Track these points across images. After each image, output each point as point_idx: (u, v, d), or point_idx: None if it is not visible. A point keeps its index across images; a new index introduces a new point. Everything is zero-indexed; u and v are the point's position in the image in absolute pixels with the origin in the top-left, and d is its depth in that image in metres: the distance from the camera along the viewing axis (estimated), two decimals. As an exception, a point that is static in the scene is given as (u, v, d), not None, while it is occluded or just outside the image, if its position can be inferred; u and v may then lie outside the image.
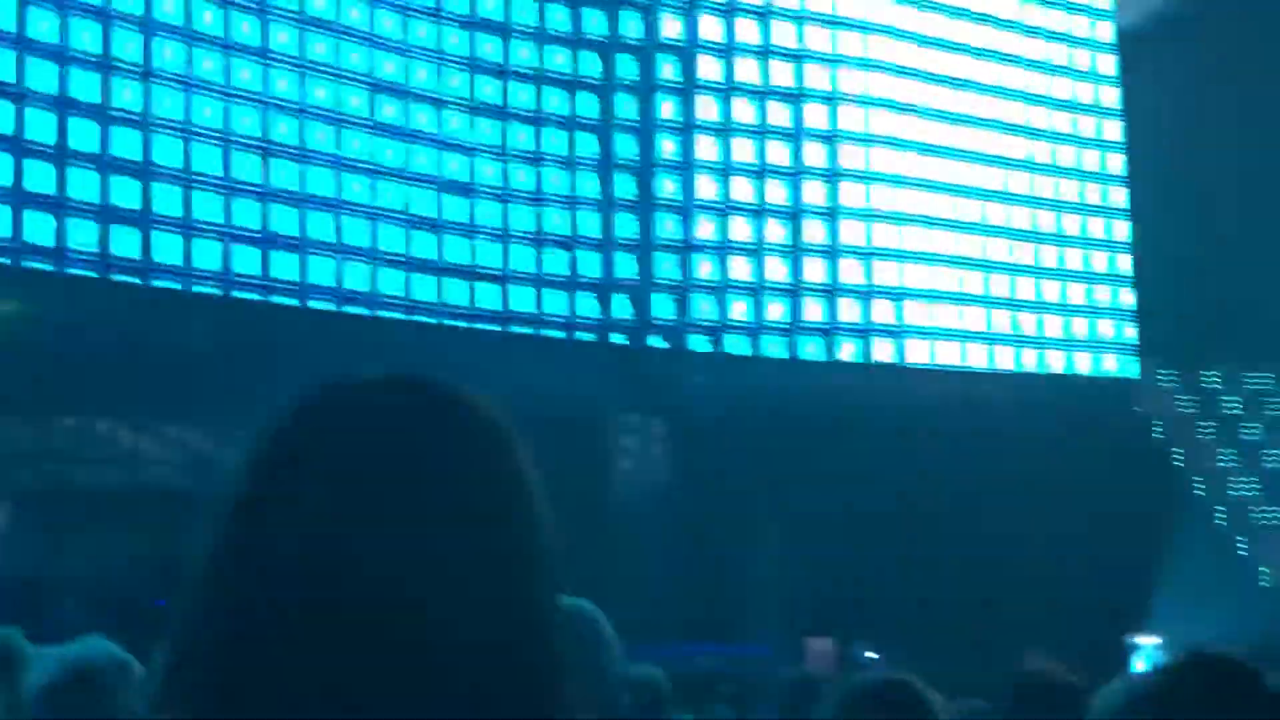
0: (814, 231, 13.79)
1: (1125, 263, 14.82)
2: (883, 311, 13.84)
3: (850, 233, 13.86)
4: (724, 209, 13.58)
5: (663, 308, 13.42)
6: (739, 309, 13.57)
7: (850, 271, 13.68)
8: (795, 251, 13.82)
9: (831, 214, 13.89)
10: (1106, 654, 12.06)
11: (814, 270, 13.68)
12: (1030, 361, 14.40)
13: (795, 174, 13.81)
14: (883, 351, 13.92)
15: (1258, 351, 15.39)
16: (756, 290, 13.65)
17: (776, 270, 13.68)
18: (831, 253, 13.89)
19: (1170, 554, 13.56)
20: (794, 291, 13.78)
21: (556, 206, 13.28)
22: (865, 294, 13.82)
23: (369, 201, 12.60)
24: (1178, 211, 14.84)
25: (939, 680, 3.23)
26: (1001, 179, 14.47)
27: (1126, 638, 12.62)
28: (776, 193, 13.72)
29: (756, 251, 13.67)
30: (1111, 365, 14.73)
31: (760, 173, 13.72)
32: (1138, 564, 13.18)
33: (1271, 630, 11.53)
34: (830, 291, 13.85)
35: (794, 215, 13.77)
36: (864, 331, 13.81)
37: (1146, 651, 12.57)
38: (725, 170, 13.65)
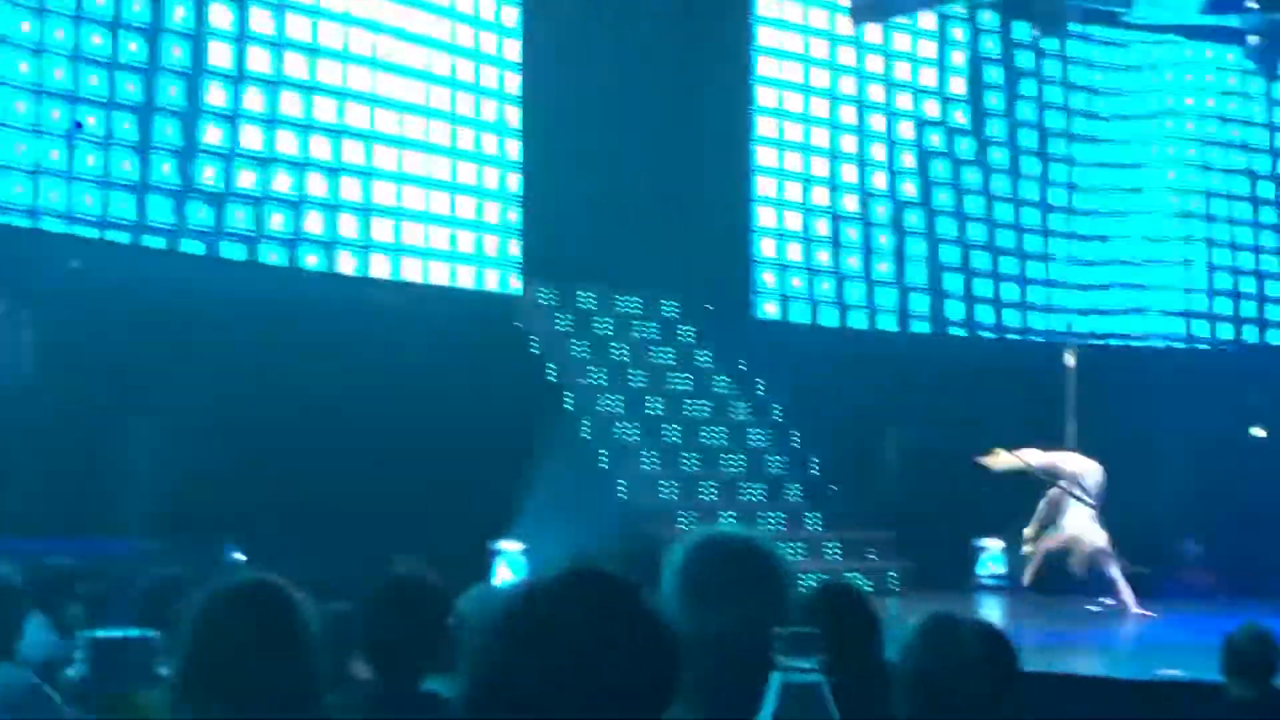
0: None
1: (514, 181, 15.19)
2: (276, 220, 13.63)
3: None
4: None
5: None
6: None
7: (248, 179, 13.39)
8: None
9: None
10: (474, 559, 12.51)
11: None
12: (418, 273, 14.55)
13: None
14: (277, 257, 13.73)
15: (628, 276, 16.19)
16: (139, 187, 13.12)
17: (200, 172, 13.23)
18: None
19: (539, 465, 14.07)
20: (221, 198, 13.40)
21: None
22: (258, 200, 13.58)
23: None
24: (565, 135, 15.34)
25: (308, 582, 3.22)
26: (408, 89, 14.51)
27: (491, 543, 13.04)
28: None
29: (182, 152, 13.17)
30: (495, 281, 15.11)
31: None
32: (508, 473, 13.60)
33: (628, 539, 12.26)
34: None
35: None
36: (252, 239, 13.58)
37: (508, 557, 13.06)
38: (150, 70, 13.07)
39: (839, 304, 18.08)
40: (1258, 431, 19.52)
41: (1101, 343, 19.28)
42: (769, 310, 17.71)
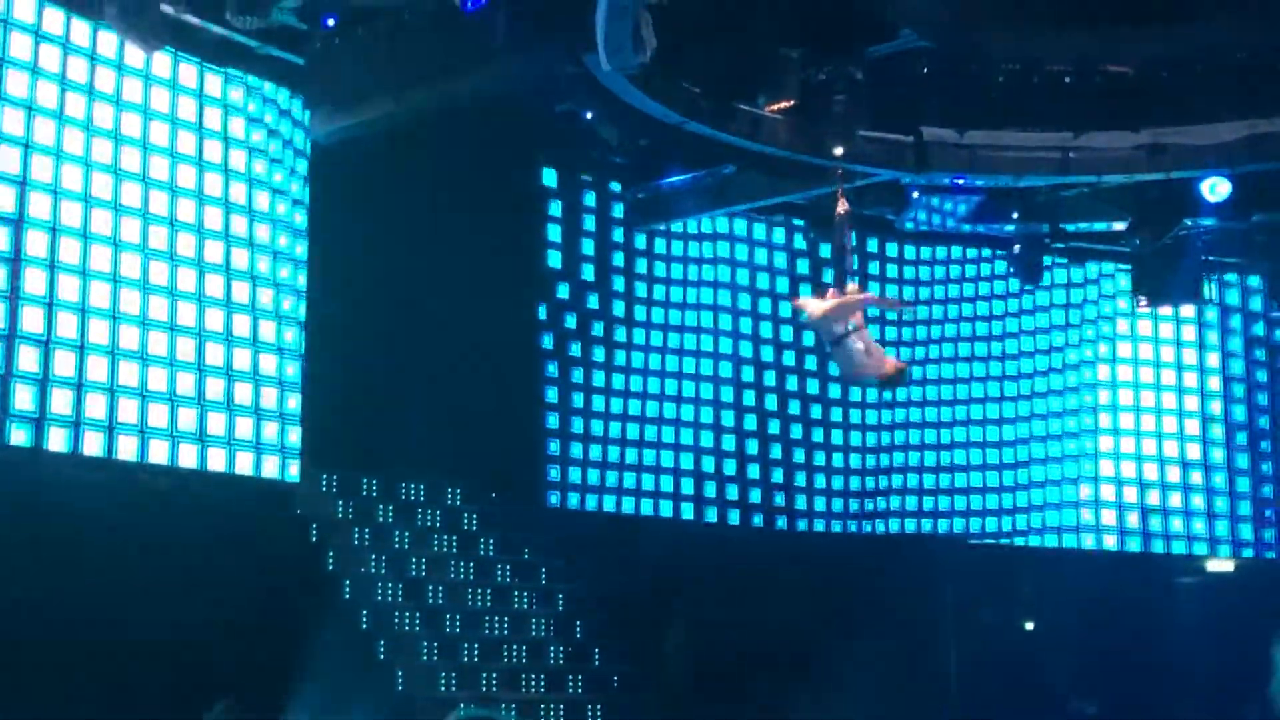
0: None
1: (293, 367, 15.15)
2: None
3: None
4: None
5: None
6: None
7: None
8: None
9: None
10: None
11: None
12: (191, 459, 14.29)
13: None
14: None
15: (410, 463, 16.24)
16: None
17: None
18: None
19: (316, 655, 13.94)
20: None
21: None
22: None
23: None
24: (345, 314, 15.45)
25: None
26: (182, 276, 14.44)
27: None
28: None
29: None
30: (273, 467, 14.96)
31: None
32: (285, 664, 13.46)
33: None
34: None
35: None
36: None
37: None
38: None
39: (618, 491, 18.39)
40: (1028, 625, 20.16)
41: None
42: (555, 499, 17.90)
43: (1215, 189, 16.50)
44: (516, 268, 17.85)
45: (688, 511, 18.81)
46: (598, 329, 18.49)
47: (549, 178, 18.42)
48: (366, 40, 13.97)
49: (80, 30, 13.74)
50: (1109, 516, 20.16)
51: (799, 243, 19.75)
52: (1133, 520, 20.17)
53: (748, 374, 19.41)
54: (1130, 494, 20.30)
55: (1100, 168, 16.60)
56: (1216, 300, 20.54)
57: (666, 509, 18.70)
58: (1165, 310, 20.20)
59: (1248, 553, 20.18)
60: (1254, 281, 20.67)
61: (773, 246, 19.72)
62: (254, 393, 14.74)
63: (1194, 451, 20.43)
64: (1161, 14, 13.87)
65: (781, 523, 19.25)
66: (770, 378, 19.55)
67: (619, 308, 18.70)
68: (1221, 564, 19.96)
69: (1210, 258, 19.35)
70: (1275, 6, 13.73)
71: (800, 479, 19.70)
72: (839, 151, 15.15)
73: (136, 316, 13.84)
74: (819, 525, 19.75)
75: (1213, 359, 20.62)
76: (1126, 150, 16.09)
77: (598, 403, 18.34)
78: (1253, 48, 14.75)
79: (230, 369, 14.55)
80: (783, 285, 19.70)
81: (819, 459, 19.86)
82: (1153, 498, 20.23)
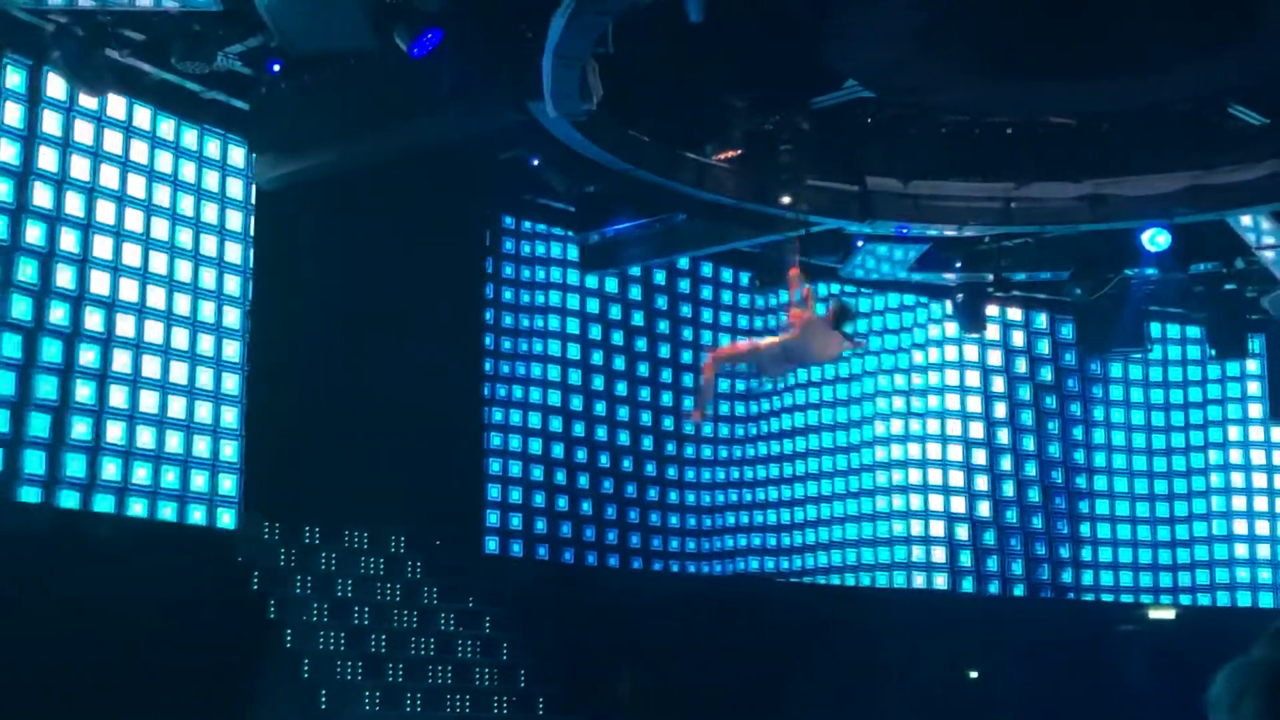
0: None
1: (231, 415, 14.99)
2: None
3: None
4: None
5: None
6: None
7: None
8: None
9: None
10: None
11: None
12: (141, 509, 14.12)
13: None
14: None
15: (353, 511, 16.15)
16: None
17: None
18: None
19: (256, 705, 13.80)
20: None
21: None
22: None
23: None
24: (287, 361, 15.35)
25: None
26: (123, 324, 14.26)
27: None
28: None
29: None
30: (211, 514, 14.77)
31: None
32: (226, 715, 13.32)
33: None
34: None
35: None
36: None
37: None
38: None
39: (570, 541, 18.32)
40: (972, 674, 20.17)
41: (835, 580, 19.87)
42: (497, 547, 17.83)
43: (1155, 239, 16.63)
44: (459, 313, 17.80)
45: (613, 560, 18.80)
46: (537, 371, 18.45)
47: (494, 224, 18.41)
48: (312, 86, 13.95)
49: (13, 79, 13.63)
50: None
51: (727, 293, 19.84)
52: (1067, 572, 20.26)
53: (663, 421, 19.43)
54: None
55: (1042, 217, 16.72)
56: (1160, 358, 20.75)
57: (613, 560, 18.68)
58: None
59: (1185, 599, 20.29)
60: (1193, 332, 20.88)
61: (700, 301, 19.86)
62: (185, 439, 14.52)
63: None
64: (1103, 68, 14.03)
65: (715, 567, 19.32)
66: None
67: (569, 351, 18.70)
68: (1162, 611, 20.07)
69: (1152, 307, 19.52)
70: (1215, 61, 13.92)
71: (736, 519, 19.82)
72: (785, 200, 15.21)
73: (66, 363, 13.71)
74: (754, 564, 19.86)
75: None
76: (1068, 200, 16.22)
77: (534, 446, 18.28)
78: (1192, 101, 14.94)
79: (165, 416, 14.37)
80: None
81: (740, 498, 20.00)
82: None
